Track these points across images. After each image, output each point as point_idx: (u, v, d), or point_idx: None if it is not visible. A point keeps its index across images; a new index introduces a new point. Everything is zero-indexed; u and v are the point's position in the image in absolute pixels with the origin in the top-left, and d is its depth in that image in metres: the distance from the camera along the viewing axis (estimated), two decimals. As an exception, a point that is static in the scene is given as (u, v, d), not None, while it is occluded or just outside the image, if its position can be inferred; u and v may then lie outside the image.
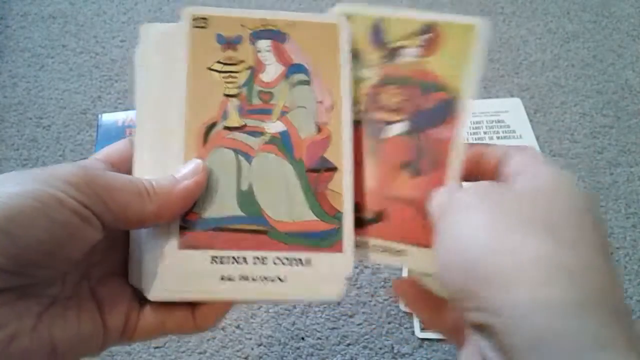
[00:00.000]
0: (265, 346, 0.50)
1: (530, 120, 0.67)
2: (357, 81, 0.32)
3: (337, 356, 0.50)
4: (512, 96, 0.70)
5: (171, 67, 0.30)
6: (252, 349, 0.50)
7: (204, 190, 0.29)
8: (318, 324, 0.51)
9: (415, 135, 0.31)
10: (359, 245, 0.30)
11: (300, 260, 0.29)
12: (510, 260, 0.21)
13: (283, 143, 0.30)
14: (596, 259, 0.22)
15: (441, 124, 0.31)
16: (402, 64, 0.32)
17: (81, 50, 0.73)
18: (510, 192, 0.25)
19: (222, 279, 0.28)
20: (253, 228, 0.29)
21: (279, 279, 0.29)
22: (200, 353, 0.50)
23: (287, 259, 0.29)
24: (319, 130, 0.30)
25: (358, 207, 0.31)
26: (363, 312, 0.52)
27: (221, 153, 0.30)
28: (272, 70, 0.31)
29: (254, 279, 0.29)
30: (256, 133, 0.30)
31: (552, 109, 0.69)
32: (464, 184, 0.30)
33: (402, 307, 0.52)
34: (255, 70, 0.31)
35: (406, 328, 0.51)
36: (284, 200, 0.30)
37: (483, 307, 0.21)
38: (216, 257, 0.29)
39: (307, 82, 0.31)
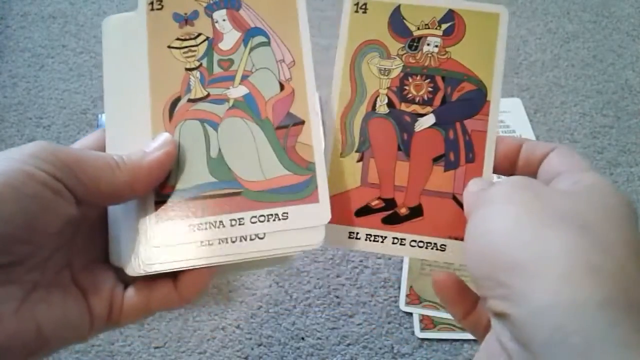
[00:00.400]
0: (265, 346, 0.50)
1: (530, 120, 0.67)
2: (380, 72, 0.32)
3: (337, 356, 0.50)
4: (512, 96, 0.70)
5: (133, 51, 0.31)
6: (252, 349, 0.50)
7: (175, 163, 0.29)
8: (318, 324, 0.51)
9: (445, 127, 0.31)
10: (396, 243, 0.31)
11: (277, 215, 0.29)
12: (539, 253, 0.21)
13: (248, 105, 0.31)
14: (629, 262, 0.21)
15: (473, 116, 0.31)
16: (426, 53, 0.32)
17: (81, 50, 0.73)
18: (547, 189, 0.25)
19: (201, 244, 0.29)
20: (227, 192, 0.29)
21: (258, 237, 0.29)
22: (200, 353, 0.50)
23: (263, 216, 0.29)
24: (282, 87, 0.31)
25: (393, 203, 0.31)
26: (363, 312, 0.52)
27: (187, 125, 0.30)
28: (229, 38, 0.31)
29: (232, 241, 0.29)
30: (220, 101, 0.31)
31: (552, 109, 0.69)
32: (501, 177, 0.30)
33: (402, 307, 0.52)
34: (213, 40, 0.31)
35: (406, 328, 0.51)
36: (255, 161, 0.30)
37: (506, 295, 0.21)
38: (193, 224, 0.29)
39: (266, 44, 0.31)
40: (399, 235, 0.31)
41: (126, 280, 0.29)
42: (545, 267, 0.21)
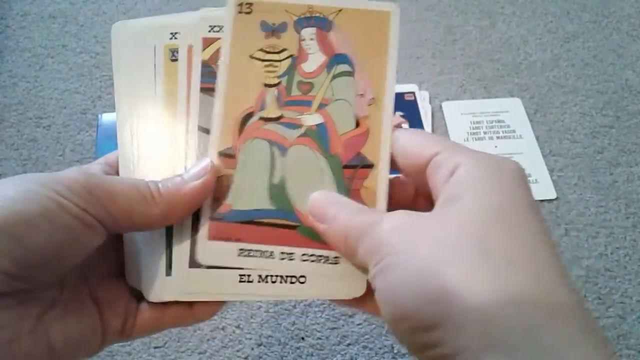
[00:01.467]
0: (265, 346, 0.50)
1: (530, 120, 0.67)
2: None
3: (337, 356, 0.50)
4: (512, 96, 0.70)
5: (150, 62, 0.31)
6: (252, 349, 0.50)
7: (230, 184, 0.28)
8: (318, 324, 0.51)
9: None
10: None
11: (327, 257, 0.28)
12: (449, 300, 0.20)
13: (319, 136, 0.29)
14: (537, 265, 0.21)
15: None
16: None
17: (81, 50, 0.73)
18: (433, 220, 0.24)
19: (240, 279, 0.28)
20: (283, 223, 0.29)
21: (299, 280, 0.28)
22: (200, 353, 0.50)
23: (314, 255, 0.28)
24: (358, 124, 0.29)
25: None
26: (363, 312, 0.52)
27: (255, 144, 0.29)
28: (314, 60, 0.30)
29: (273, 281, 0.28)
30: (293, 125, 0.29)
31: (552, 109, 0.69)
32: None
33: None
34: (297, 59, 0.30)
35: (406, 328, 0.51)
36: None
37: (437, 355, 0.21)
38: (244, 249, 0.28)
39: (349, 74, 0.30)
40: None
41: (139, 295, 0.29)
42: (461, 314, 0.20)
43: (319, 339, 0.51)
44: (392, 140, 0.29)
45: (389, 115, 0.29)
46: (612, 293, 0.54)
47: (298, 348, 0.50)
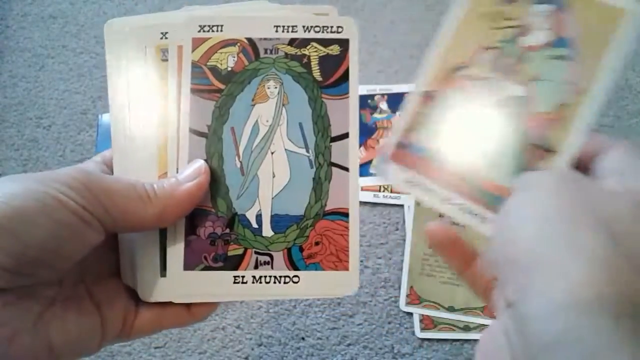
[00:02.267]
0: (265, 346, 0.50)
1: (531, 120, 0.67)
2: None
3: (337, 356, 0.50)
4: (512, 96, 0.70)
5: (140, 62, 0.31)
6: (253, 349, 0.50)
7: (424, 121, 0.28)
8: (318, 324, 0.51)
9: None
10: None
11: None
12: (561, 254, 0.20)
13: (516, 107, 0.29)
14: None
15: None
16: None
17: (81, 50, 0.73)
18: (593, 187, 0.24)
19: (234, 280, 0.29)
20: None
21: (292, 280, 0.29)
22: (200, 353, 0.50)
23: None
24: (557, 109, 0.29)
25: None
26: (363, 312, 0.52)
27: (456, 95, 0.29)
28: (538, 36, 0.30)
29: (267, 281, 0.29)
30: (494, 90, 0.29)
31: (552, 108, 0.69)
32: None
33: (403, 307, 0.52)
34: (522, 30, 0.30)
35: (406, 328, 0.51)
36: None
37: (522, 288, 0.21)
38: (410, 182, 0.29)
39: (567, 58, 0.29)
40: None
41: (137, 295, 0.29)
42: (563, 268, 0.20)
43: (319, 339, 0.51)
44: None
45: (592, 109, 0.29)
46: (612, 293, 0.54)
47: (298, 348, 0.50)
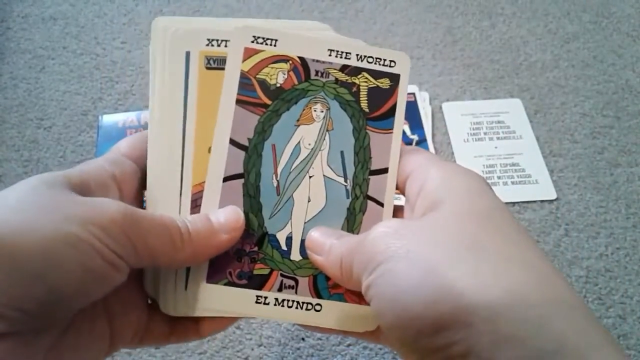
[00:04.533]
0: (265, 347, 0.50)
1: (531, 121, 0.67)
2: None
3: (337, 357, 0.50)
4: (512, 97, 0.70)
5: (182, 68, 0.30)
6: (252, 349, 0.50)
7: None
8: (318, 324, 0.52)
9: None
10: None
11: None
12: (454, 300, 0.20)
13: None
14: (532, 262, 0.22)
15: None
16: None
17: (82, 51, 0.73)
18: (419, 225, 0.24)
19: (257, 300, 0.28)
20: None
21: (315, 308, 0.29)
22: (200, 353, 0.50)
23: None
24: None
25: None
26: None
27: None
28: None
29: (289, 306, 0.29)
30: None
31: (552, 109, 0.69)
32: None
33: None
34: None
35: (406, 328, 0.51)
36: None
37: (448, 356, 0.20)
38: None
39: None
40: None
41: (152, 305, 0.29)
42: (468, 312, 0.20)
43: (319, 339, 0.51)
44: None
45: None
46: (612, 293, 0.54)
47: (298, 349, 0.50)
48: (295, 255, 0.29)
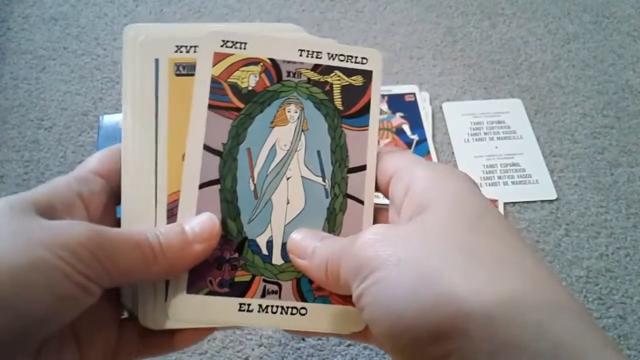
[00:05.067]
0: (265, 347, 0.50)
1: (531, 121, 0.67)
2: None
3: (338, 357, 0.50)
4: (512, 97, 0.70)
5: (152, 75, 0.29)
6: (253, 349, 0.50)
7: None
8: (318, 324, 0.52)
9: None
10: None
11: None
12: (450, 308, 0.20)
13: None
14: (526, 265, 0.21)
15: None
16: None
17: (82, 52, 0.73)
18: (409, 231, 0.23)
19: (240, 308, 0.28)
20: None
21: (300, 312, 0.28)
22: (200, 354, 0.50)
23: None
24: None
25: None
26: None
27: None
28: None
29: (273, 311, 0.28)
30: None
31: (552, 109, 0.69)
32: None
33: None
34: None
35: (406, 329, 0.51)
36: None
37: (452, 352, 0.20)
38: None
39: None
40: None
41: (125, 318, 0.28)
42: (465, 320, 0.20)
43: (319, 339, 0.51)
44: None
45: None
46: (612, 293, 0.54)
47: (298, 349, 0.50)
48: (277, 260, 0.29)
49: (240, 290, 0.28)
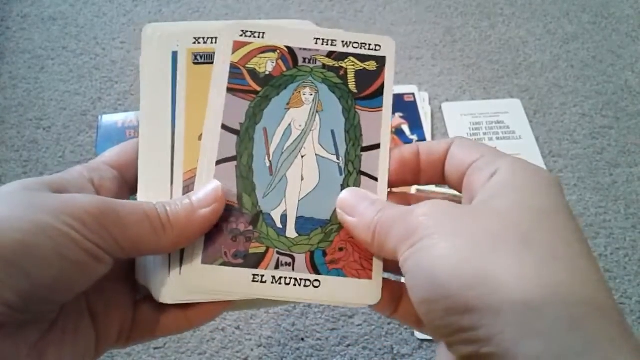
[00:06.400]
0: (265, 347, 0.50)
1: (530, 121, 0.67)
2: None
3: (337, 357, 0.50)
4: (511, 97, 0.70)
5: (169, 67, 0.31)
6: (252, 349, 0.50)
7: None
8: (318, 324, 0.51)
9: None
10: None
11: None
12: (490, 287, 0.20)
13: None
14: (583, 267, 0.21)
15: None
16: None
17: (81, 51, 0.73)
18: (470, 210, 0.24)
19: (254, 279, 0.28)
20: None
21: (313, 285, 0.28)
22: (200, 354, 0.50)
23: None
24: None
25: None
26: (363, 313, 0.52)
27: None
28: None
29: (287, 283, 0.28)
30: None
31: (551, 110, 0.69)
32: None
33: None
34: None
35: (406, 329, 0.51)
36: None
37: (475, 338, 0.21)
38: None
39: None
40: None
41: (141, 296, 0.29)
42: (503, 298, 0.20)
43: (319, 339, 0.51)
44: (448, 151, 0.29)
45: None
46: (612, 294, 0.54)
47: (298, 349, 0.50)
48: (291, 233, 0.29)
49: (254, 261, 0.29)
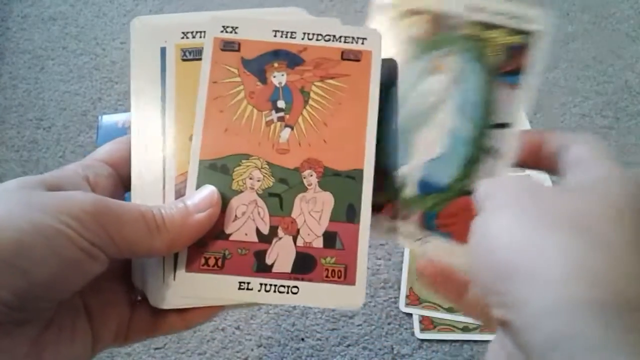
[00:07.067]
0: (265, 347, 0.50)
1: (530, 121, 0.67)
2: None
3: (337, 357, 0.50)
4: (511, 97, 0.70)
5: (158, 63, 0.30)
6: (252, 350, 0.50)
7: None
8: (318, 325, 0.51)
9: None
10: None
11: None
12: (534, 258, 0.21)
13: None
14: (627, 260, 0.21)
15: None
16: None
17: (81, 52, 0.73)
18: (545, 188, 0.24)
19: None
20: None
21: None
22: (200, 354, 0.50)
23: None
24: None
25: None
26: (363, 313, 0.52)
27: None
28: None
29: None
30: None
31: (551, 109, 0.69)
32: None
33: (402, 307, 0.52)
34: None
35: (406, 329, 0.51)
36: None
37: (505, 303, 0.21)
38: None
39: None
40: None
41: (137, 297, 0.29)
42: (540, 271, 0.20)
43: (319, 340, 0.51)
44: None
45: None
46: (612, 294, 0.54)
47: (298, 349, 0.50)
48: (412, 192, 0.30)
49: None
